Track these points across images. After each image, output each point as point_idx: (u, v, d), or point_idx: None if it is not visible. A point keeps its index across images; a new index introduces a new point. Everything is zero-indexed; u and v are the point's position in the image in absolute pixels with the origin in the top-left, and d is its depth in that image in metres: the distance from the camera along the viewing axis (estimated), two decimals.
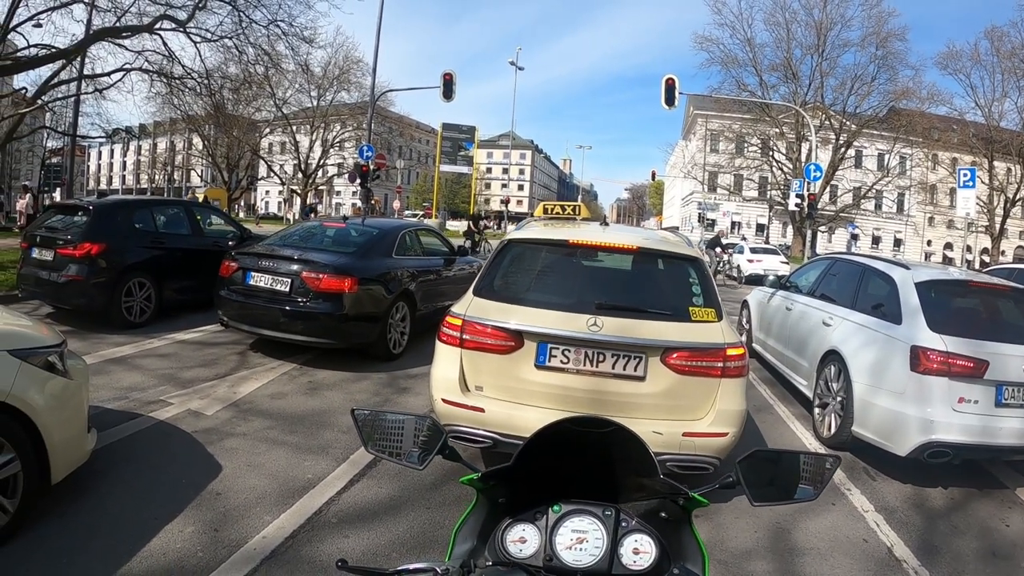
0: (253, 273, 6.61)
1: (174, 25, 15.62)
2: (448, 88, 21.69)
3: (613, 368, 3.79)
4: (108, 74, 16.70)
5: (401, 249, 7.69)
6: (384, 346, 6.96)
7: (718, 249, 24.85)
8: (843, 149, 40.43)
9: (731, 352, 3.83)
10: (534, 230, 4.69)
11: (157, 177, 68.53)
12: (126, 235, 7.60)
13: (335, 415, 5.22)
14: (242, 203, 60.60)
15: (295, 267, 6.46)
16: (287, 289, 6.42)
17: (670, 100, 22.16)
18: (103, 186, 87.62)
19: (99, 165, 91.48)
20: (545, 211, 5.43)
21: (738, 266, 25.10)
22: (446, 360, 4.00)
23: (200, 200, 26.76)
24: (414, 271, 7.69)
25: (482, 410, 3.83)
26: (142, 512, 3.43)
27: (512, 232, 4.83)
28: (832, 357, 5.78)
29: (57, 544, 3.05)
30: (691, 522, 1.31)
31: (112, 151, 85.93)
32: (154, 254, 7.80)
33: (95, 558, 2.97)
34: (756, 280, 15.33)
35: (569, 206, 5.39)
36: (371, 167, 20.89)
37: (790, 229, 42.20)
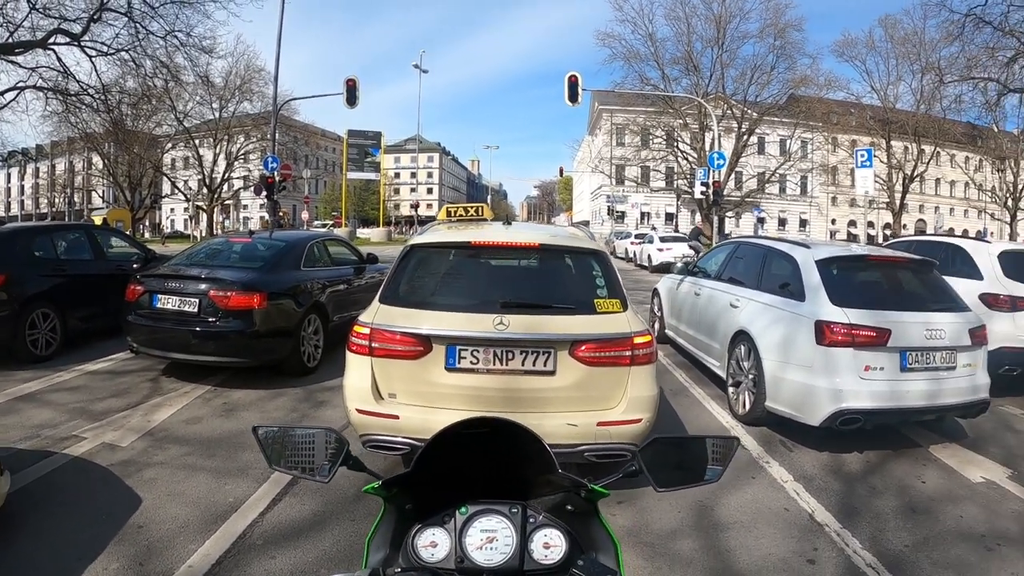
0: (160, 295, 6.36)
1: (68, 39, 14.99)
2: (351, 94, 21.53)
3: (523, 365, 3.83)
4: (1, 93, 15.72)
5: (310, 261, 7.56)
6: (298, 361, 6.82)
7: (702, 239, 25.40)
8: (746, 136, 41.86)
9: (638, 340, 3.91)
10: (437, 234, 4.68)
11: (57, 200, 64.84)
12: (26, 264, 7.16)
13: (252, 435, 5.07)
14: (147, 223, 58.11)
15: (202, 286, 6.25)
16: (195, 310, 6.20)
17: (573, 97, 22.59)
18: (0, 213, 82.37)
19: None
20: (448, 214, 5.45)
21: (648, 255, 25.85)
22: (357, 369, 3.96)
23: (98, 222, 25.43)
24: (324, 282, 7.57)
25: (397, 417, 3.81)
26: (64, 554, 3.27)
27: (415, 237, 4.81)
28: (741, 337, 6.00)
29: None
30: (598, 512, 1.33)
31: (8, 175, 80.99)
32: (57, 282, 7.38)
33: None
34: (665, 268, 15.78)
35: (472, 207, 5.41)
36: (277, 178, 20.40)
37: (698, 216, 43.49)
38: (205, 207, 46.97)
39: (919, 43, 37.17)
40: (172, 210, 70.81)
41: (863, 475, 4.83)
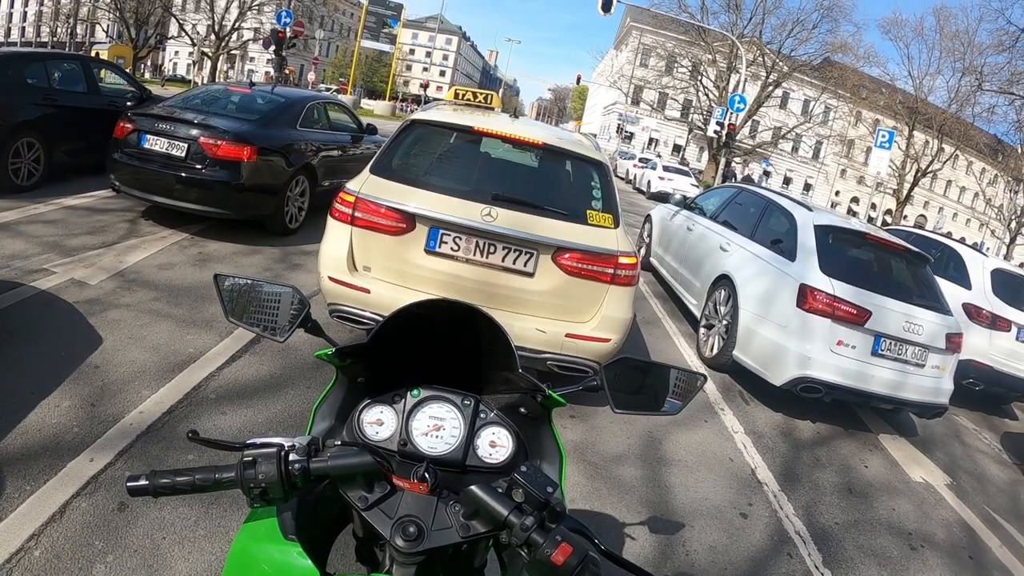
0: (149, 136, 6.14)
1: None
2: None
3: (503, 261, 3.78)
4: None
5: (307, 121, 7.37)
6: (280, 220, 6.78)
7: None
8: (771, 88, 40.89)
9: (623, 260, 3.85)
10: (441, 113, 4.51)
11: (59, 31, 62.04)
12: (16, 91, 6.81)
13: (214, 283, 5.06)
14: (148, 63, 56.04)
15: (193, 131, 6.04)
16: (183, 154, 6.02)
17: (607, 6, 21.66)
18: None
19: None
20: (457, 96, 5.24)
21: (649, 181, 25.70)
22: (336, 237, 3.88)
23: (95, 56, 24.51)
24: (318, 145, 7.41)
25: (368, 291, 3.76)
26: (18, 386, 3.25)
27: (417, 112, 4.65)
28: (724, 281, 5.99)
29: None
30: (551, 420, 1.30)
31: (12, 0, 77.18)
32: (46, 112, 7.05)
33: None
34: (662, 198, 15.60)
35: (482, 94, 5.19)
36: (288, 34, 19.77)
37: (706, 155, 42.93)
38: (210, 54, 45.22)
39: (967, 43, 35.99)
40: (176, 53, 68.39)
41: (811, 445, 4.94)
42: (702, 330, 6.23)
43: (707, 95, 41.00)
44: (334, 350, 1.23)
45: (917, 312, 5.17)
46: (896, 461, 5.09)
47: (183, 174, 5.99)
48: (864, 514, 4.11)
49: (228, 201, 6.16)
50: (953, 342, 5.32)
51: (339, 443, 1.14)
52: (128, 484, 0.97)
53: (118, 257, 5.32)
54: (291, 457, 0.97)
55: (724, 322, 5.77)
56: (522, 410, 1.31)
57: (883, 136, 16.87)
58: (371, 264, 3.84)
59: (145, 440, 3.04)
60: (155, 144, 6.11)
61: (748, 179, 39.74)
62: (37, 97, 7.01)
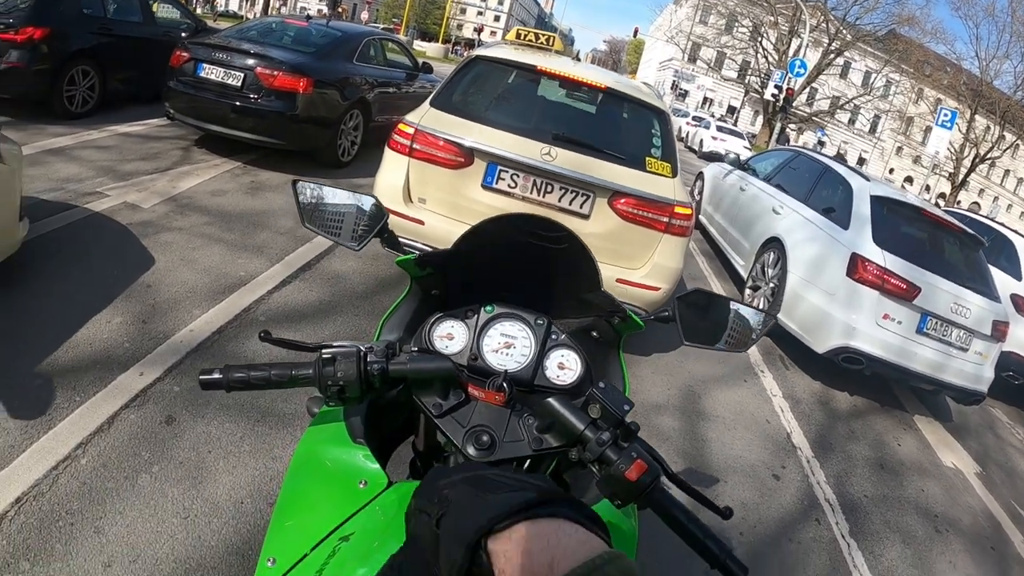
0: (205, 65, 6.17)
1: None
2: None
3: (559, 202, 3.76)
4: None
5: (363, 56, 7.35)
6: (333, 152, 6.84)
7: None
8: (832, 55, 39.55)
9: (679, 210, 3.82)
10: (503, 51, 4.46)
11: None
12: (72, 20, 6.84)
13: (275, 216, 5.14)
14: None
15: (250, 61, 6.07)
16: (239, 84, 6.05)
17: None
18: None
19: None
20: (518, 36, 5.15)
21: (701, 140, 25.26)
22: (393, 168, 3.89)
23: None
24: (373, 80, 7.41)
25: (422, 223, 3.78)
26: (71, 302, 3.34)
27: (480, 49, 4.60)
28: (774, 244, 5.90)
29: None
30: (620, 347, 1.30)
31: None
32: (101, 41, 7.10)
33: (21, 348, 2.90)
34: (713, 157, 15.27)
35: (544, 35, 5.09)
36: None
37: (760, 119, 41.89)
38: None
39: None
40: None
41: (846, 416, 4.89)
42: (747, 291, 6.16)
43: (766, 57, 39.86)
44: (415, 256, 1.23)
45: (966, 295, 5.05)
46: (929, 443, 5.02)
47: (238, 103, 6.03)
48: (893, 491, 4.09)
49: (282, 131, 6.20)
50: (999, 330, 5.19)
51: (415, 349, 1.15)
52: (201, 378, 0.98)
53: (171, 183, 5.40)
54: (370, 358, 0.97)
55: (771, 285, 5.69)
56: (594, 334, 1.31)
57: (945, 115, 16.30)
58: (426, 196, 3.85)
59: (194, 357, 3.12)
60: (211, 73, 6.15)
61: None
62: (92, 26, 7.05)
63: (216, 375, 0.98)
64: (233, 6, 65.10)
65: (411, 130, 3.81)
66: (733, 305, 1.36)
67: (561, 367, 1.20)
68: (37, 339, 2.99)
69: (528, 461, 1.06)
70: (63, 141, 5.99)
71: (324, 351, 0.98)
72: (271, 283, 4.03)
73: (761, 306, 5.73)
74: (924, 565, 3.46)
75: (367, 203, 1.36)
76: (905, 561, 3.42)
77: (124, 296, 3.52)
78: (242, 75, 6.05)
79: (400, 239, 3.67)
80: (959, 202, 41.66)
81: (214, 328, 3.39)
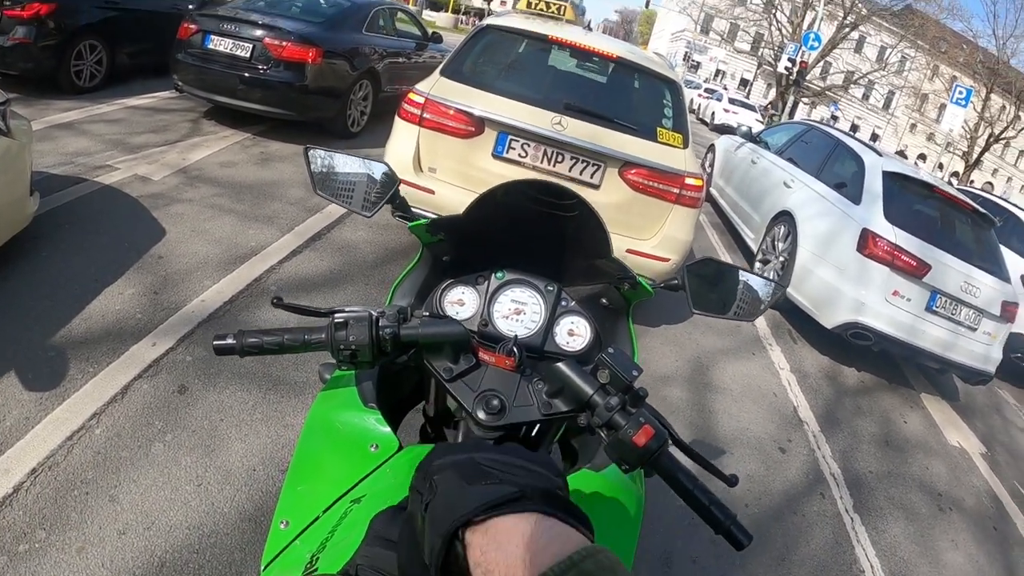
0: (213, 36, 6.12)
1: None
2: None
3: (569, 172, 3.76)
4: None
5: (372, 26, 7.30)
6: (343, 123, 6.84)
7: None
8: (847, 29, 38.82)
9: (689, 181, 3.81)
10: (514, 20, 4.43)
11: None
12: None
13: (285, 187, 5.15)
14: None
15: (258, 32, 6.02)
16: (247, 55, 6.01)
17: None
18: None
19: None
20: (529, 4, 5.11)
21: (713, 112, 25.18)
22: (403, 137, 3.88)
23: None
24: (383, 51, 7.38)
25: (432, 192, 3.79)
26: (83, 275, 3.37)
27: (491, 18, 4.57)
28: (784, 218, 5.88)
29: None
30: (629, 314, 1.31)
31: None
32: (108, 15, 6.99)
33: (35, 319, 2.93)
34: (725, 129, 15.13)
35: (555, 4, 5.05)
36: None
37: (773, 92, 41.39)
38: None
39: None
40: None
41: (853, 392, 4.91)
42: (757, 264, 6.15)
43: (780, 30, 39.22)
44: (427, 222, 1.24)
45: (976, 274, 5.02)
46: (935, 422, 5.04)
47: (247, 74, 6.00)
48: (898, 468, 4.11)
49: (291, 102, 6.19)
50: (1008, 310, 5.17)
51: (427, 314, 1.17)
52: (215, 343, 0.99)
53: (181, 155, 5.40)
54: (381, 322, 0.98)
55: (781, 258, 5.68)
56: (603, 301, 1.32)
57: (960, 92, 16.06)
58: (437, 166, 3.85)
59: (206, 327, 3.15)
60: (219, 45, 6.11)
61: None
62: (99, 0, 7.02)
63: (230, 340, 1.00)
64: None
65: (421, 99, 3.80)
66: (743, 275, 1.37)
67: (571, 333, 1.20)
68: (50, 312, 3.02)
69: (537, 426, 1.07)
70: (72, 116, 5.98)
71: (336, 315, 0.98)
72: (282, 253, 4.06)
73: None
74: (926, 542, 3.49)
75: (379, 170, 1.36)
76: (908, 537, 3.45)
77: (136, 268, 3.54)
78: (250, 46, 6.01)
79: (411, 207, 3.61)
80: (972, 181, 41.23)
81: (225, 298, 3.42)
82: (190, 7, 7.83)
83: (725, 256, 6.84)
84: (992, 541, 3.80)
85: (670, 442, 0.91)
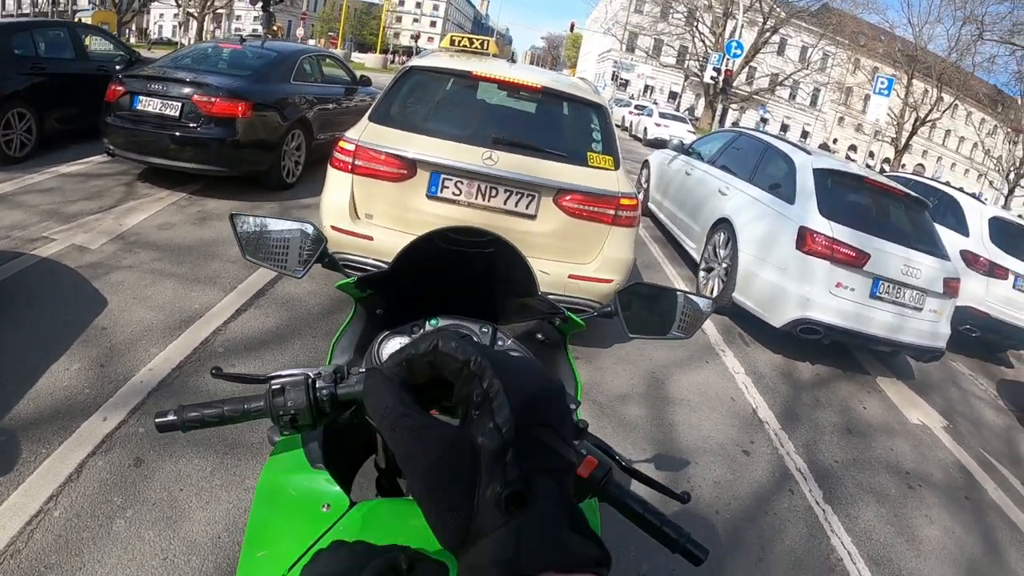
0: (141, 97, 6.05)
1: None
2: None
3: (505, 204, 3.79)
4: None
5: (300, 75, 7.31)
6: (278, 175, 6.79)
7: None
8: (768, 34, 40.30)
9: (624, 201, 3.87)
10: (438, 59, 4.49)
11: (40, 0, 60.42)
12: (3, 61, 6.64)
13: (224, 245, 5.07)
14: (133, 27, 54.81)
15: (186, 90, 5.97)
16: (177, 114, 5.95)
17: None
18: None
19: None
20: (452, 43, 5.19)
21: (645, 128, 25.54)
22: (337, 186, 3.88)
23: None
24: (313, 98, 7.38)
25: (371, 238, 3.78)
26: (27, 352, 3.26)
27: (415, 59, 4.61)
28: (723, 225, 6.00)
29: None
30: (567, 347, 1.32)
31: None
32: (35, 81, 6.89)
33: None
34: (659, 144, 15.46)
35: (478, 40, 5.14)
36: None
37: (702, 101, 42.53)
38: (196, 14, 44.23)
39: None
40: (161, 15, 66.59)
41: (810, 386, 5.01)
42: (702, 273, 6.27)
43: (703, 41, 40.47)
44: (355, 279, 1.24)
45: (915, 256, 5.19)
46: (894, 403, 5.16)
47: (178, 133, 5.93)
48: (863, 453, 4.19)
49: (224, 158, 6.12)
50: (950, 287, 5.34)
51: (363, 370, 1.16)
52: (156, 420, 0.97)
53: (117, 220, 5.29)
54: (318, 384, 0.97)
55: (724, 265, 5.79)
56: (539, 336, 1.32)
57: (882, 83, 16.73)
58: (373, 211, 3.85)
59: (156, 396, 3.08)
60: (148, 105, 6.03)
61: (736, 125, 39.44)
62: (25, 67, 6.84)
63: (171, 417, 0.98)
64: (167, 33, 63.98)
65: (352, 147, 3.81)
66: (679, 294, 1.39)
67: None
68: None
69: None
70: (4, 187, 5.84)
71: (273, 382, 0.97)
72: (227, 313, 3.99)
73: (716, 287, 5.85)
74: (900, 522, 3.56)
75: (306, 230, 1.36)
76: (882, 520, 3.52)
77: (80, 341, 3.45)
78: (179, 104, 5.96)
79: (348, 257, 3.60)
80: (904, 165, 42.78)
81: (173, 365, 3.34)
82: (117, 67, 7.75)
83: (669, 269, 6.93)
84: (966, 511, 3.90)
85: (615, 470, 0.93)
